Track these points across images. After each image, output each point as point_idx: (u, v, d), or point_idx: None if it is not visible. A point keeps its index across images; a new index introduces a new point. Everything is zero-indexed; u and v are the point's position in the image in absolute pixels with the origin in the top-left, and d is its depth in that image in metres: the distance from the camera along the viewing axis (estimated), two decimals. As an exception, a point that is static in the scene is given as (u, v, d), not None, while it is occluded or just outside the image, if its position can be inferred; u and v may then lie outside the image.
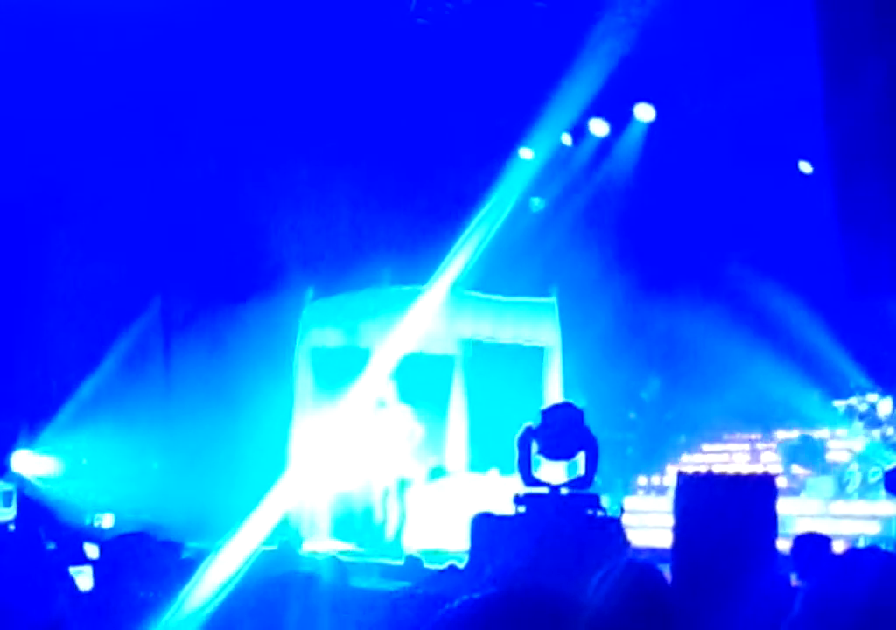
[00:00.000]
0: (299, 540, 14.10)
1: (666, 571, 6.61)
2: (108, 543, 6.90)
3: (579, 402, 12.68)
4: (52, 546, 9.15)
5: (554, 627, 1.50)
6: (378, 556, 14.61)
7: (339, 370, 17.61)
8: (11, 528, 13.58)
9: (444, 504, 15.70)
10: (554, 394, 17.71)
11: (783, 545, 7.12)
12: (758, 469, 16.31)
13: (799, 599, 2.34)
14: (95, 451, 18.36)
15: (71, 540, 10.30)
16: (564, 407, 12.36)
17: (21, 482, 16.75)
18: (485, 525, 8.59)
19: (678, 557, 6.60)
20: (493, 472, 16.49)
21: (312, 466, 16.63)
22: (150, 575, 5.71)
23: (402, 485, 16.54)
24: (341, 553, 12.78)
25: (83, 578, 7.14)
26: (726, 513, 6.33)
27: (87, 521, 14.65)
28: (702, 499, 6.58)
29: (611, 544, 9.59)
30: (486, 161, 19.41)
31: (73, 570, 7.04)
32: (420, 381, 17.82)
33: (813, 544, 7.70)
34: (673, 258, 20.54)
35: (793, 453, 18.14)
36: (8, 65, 17.21)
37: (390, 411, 17.41)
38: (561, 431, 11.49)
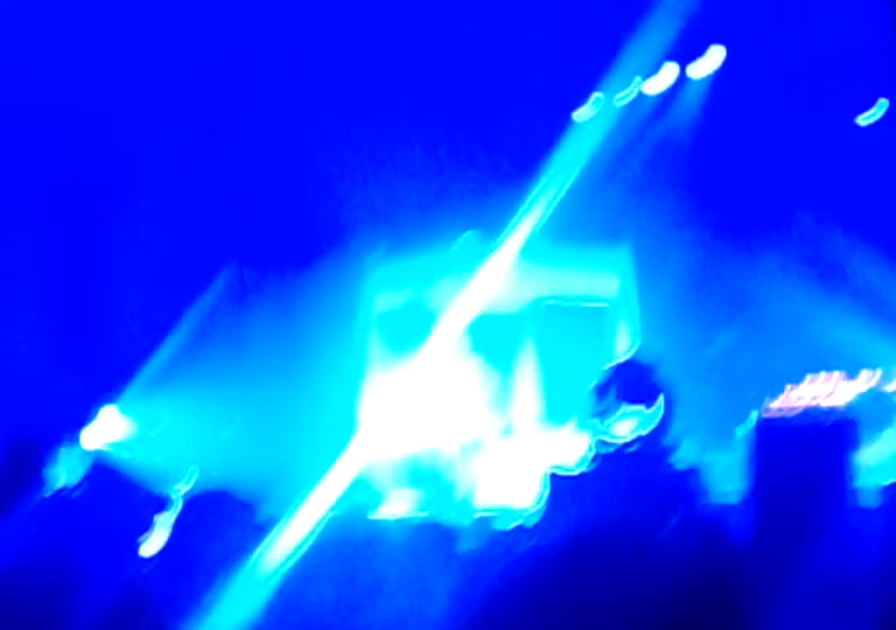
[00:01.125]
0: (372, 502, 14.14)
1: (742, 524, 6.53)
2: (188, 502, 6.94)
3: (651, 357, 12.55)
4: (127, 513, 9.20)
5: (633, 561, 1.44)
6: (449, 516, 14.62)
7: (408, 332, 17.62)
8: (80, 491, 13.70)
9: (514, 462, 15.69)
10: (623, 350, 17.61)
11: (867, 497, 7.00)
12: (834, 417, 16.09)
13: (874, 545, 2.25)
14: (168, 417, 18.51)
15: (143, 506, 10.35)
16: (637, 361, 12.25)
17: (92, 449, 16.92)
18: (556, 482, 8.54)
19: (757, 507, 6.52)
20: (564, 429, 16.44)
21: (382, 430, 16.68)
22: (227, 532, 5.73)
23: (473, 445, 16.54)
24: (413, 516, 12.80)
25: (156, 538, 7.20)
26: (804, 459, 6.24)
27: (161, 488, 14.74)
28: (779, 447, 6.49)
29: (687, 496, 9.49)
30: (554, 119, 19.24)
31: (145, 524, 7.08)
32: (490, 341, 17.79)
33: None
34: (741, 210, 20.27)
35: (866, 404, 17.90)
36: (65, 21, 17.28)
37: (460, 371, 17.39)
38: (633, 386, 11.38)
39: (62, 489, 13.23)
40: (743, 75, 19.91)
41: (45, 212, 19.08)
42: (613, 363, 12.27)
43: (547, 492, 8.13)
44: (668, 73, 20.45)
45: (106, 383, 18.67)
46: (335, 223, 19.90)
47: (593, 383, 11.83)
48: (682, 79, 20.55)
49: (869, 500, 7.36)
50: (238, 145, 19.36)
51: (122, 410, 18.52)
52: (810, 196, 19.56)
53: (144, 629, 2.67)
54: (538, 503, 8.09)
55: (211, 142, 19.20)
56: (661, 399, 11.56)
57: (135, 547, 6.60)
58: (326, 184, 19.39)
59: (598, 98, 19.18)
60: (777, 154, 19.71)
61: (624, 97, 19.88)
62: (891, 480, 7.48)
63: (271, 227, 20.12)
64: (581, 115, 19.43)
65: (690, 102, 20.56)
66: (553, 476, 8.60)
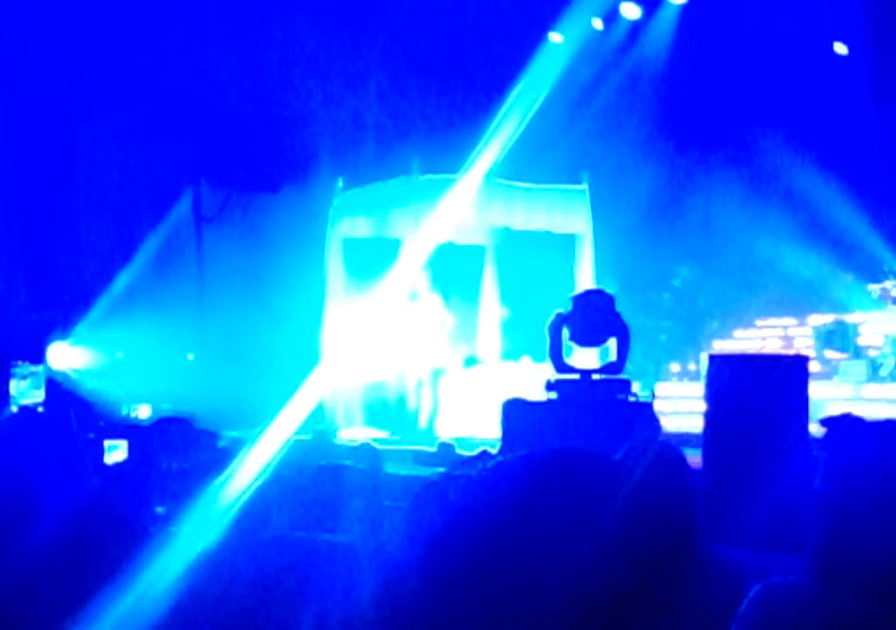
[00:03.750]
0: (334, 428, 14.24)
1: (697, 456, 6.65)
2: (147, 427, 6.98)
3: (611, 289, 12.65)
4: (91, 436, 9.25)
5: (591, 482, 1.50)
6: (411, 443, 14.75)
7: (371, 260, 17.62)
8: (40, 409, 13.76)
9: (476, 391, 15.79)
10: (585, 281, 17.67)
11: (816, 429, 7.12)
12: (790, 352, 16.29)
13: (820, 469, 2.33)
14: (130, 343, 18.49)
15: (106, 429, 10.43)
16: (596, 293, 12.35)
17: (52, 372, 16.93)
18: (516, 410, 8.63)
19: (710, 439, 6.62)
20: (526, 360, 16.55)
21: (345, 356, 16.74)
22: (187, 457, 5.78)
23: (436, 374, 16.63)
24: (375, 440, 12.90)
25: (117, 454, 7.25)
26: (758, 394, 6.32)
27: (124, 413, 14.87)
28: (734, 380, 6.56)
29: (642, 428, 9.62)
30: (516, 47, 19.10)
31: (107, 443, 7.13)
32: (452, 271, 17.80)
33: (847, 425, 7.68)
34: (705, 143, 20.27)
35: (826, 338, 18.06)
36: None
37: (423, 301, 17.43)
38: (592, 317, 11.49)
39: (25, 406, 13.29)
40: (707, 11, 19.82)
41: (4, 133, 18.89)
42: (570, 297, 12.38)
43: (509, 419, 8.22)
44: (630, 11, 20.29)
45: (69, 307, 18.62)
46: (299, 150, 19.82)
47: (549, 320, 11.94)
48: (648, 14, 20.42)
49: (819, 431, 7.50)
50: (207, 70, 19.19)
51: (85, 335, 18.49)
52: (779, 127, 19.55)
53: (107, 542, 2.73)
54: (500, 429, 8.19)
55: (181, 64, 19.02)
56: (613, 340, 11.70)
57: (97, 465, 6.65)
58: (290, 112, 19.29)
59: (574, 21, 18.94)
60: (750, 84, 19.66)
61: (586, 32, 19.71)
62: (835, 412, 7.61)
63: (236, 153, 20.00)
64: (555, 38, 19.27)
65: (665, 28, 20.43)
66: (515, 403, 8.68)
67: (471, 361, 16.94)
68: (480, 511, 1.53)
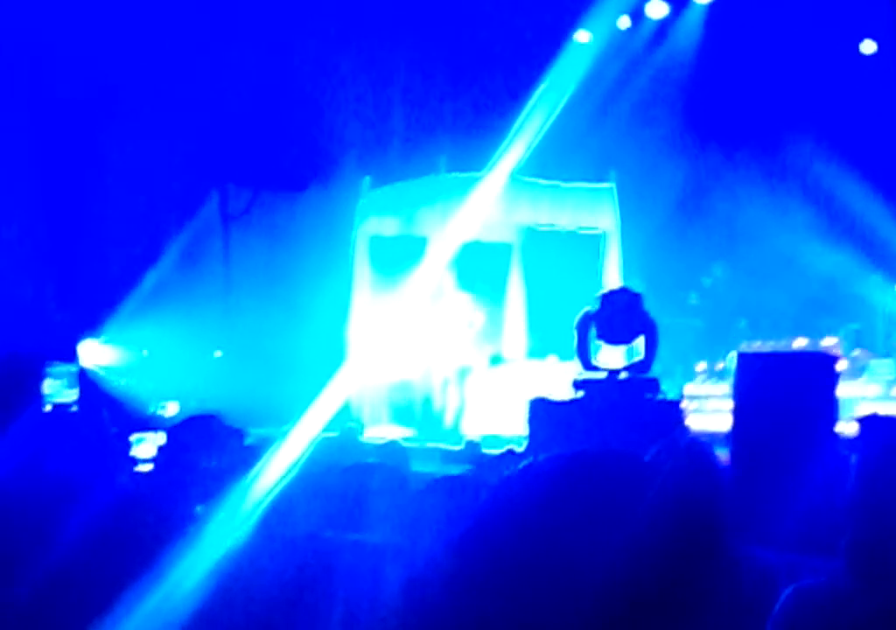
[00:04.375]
0: (360, 426, 14.25)
1: (724, 455, 6.62)
2: (177, 425, 7.00)
3: (637, 287, 12.61)
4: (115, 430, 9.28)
5: (623, 482, 1.49)
6: (438, 442, 14.75)
7: (397, 258, 17.63)
8: (74, 408, 13.82)
9: (502, 390, 15.78)
10: (612, 279, 17.64)
11: (844, 428, 7.07)
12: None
13: (853, 467, 2.31)
14: (157, 341, 18.54)
15: (135, 426, 10.45)
16: (623, 292, 12.32)
17: (85, 371, 17.00)
18: (542, 409, 8.63)
19: (738, 438, 6.58)
20: (552, 359, 16.52)
21: (372, 354, 16.74)
22: (216, 454, 5.80)
23: (463, 372, 16.62)
24: (401, 439, 12.90)
25: (144, 447, 7.26)
26: (786, 392, 6.28)
27: (151, 410, 14.92)
28: (762, 378, 6.52)
29: (670, 427, 9.60)
30: (542, 45, 19.07)
31: (133, 437, 7.13)
32: (478, 269, 17.79)
33: (878, 424, 7.63)
34: (734, 143, 20.19)
35: (854, 337, 17.99)
36: None
37: (449, 299, 17.42)
38: (620, 316, 11.46)
39: (58, 404, 13.34)
40: (734, 10, 19.73)
41: (33, 135, 18.96)
42: (598, 295, 12.35)
43: (536, 418, 8.22)
44: (658, 10, 20.20)
45: (97, 306, 18.68)
46: (325, 149, 19.83)
47: (577, 319, 11.92)
48: (676, 12, 20.34)
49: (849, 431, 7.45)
50: (232, 70, 19.23)
51: (113, 333, 18.56)
52: (808, 128, 19.46)
53: (141, 539, 2.74)
54: (527, 428, 8.18)
55: (206, 65, 19.06)
56: (640, 339, 11.66)
57: (128, 462, 6.67)
58: (317, 111, 19.29)
59: (600, 19, 18.88)
60: (776, 83, 19.57)
61: (613, 30, 19.64)
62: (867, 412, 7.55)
63: (262, 152, 20.04)
64: (581, 37, 19.20)
65: (691, 27, 20.34)
66: (541, 402, 8.69)
67: (496, 360, 16.92)
68: (510, 512, 1.52)
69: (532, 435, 8.91)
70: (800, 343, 19.22)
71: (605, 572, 1.43)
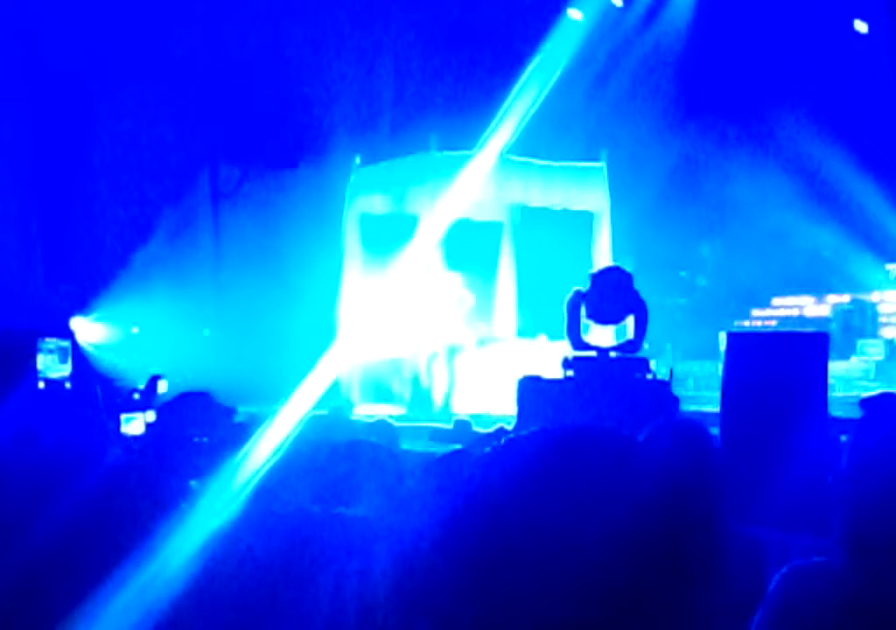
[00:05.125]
0: (350, 405, 14.23)
1: (714, 435, 6.60)
2: (168, 402, 7.00)
3: (628, 267, 12.59)
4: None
5: (613, 459, 1.48)
6: (427, 420, 14.75)
7: (388, 236, 17.60)
8: (67, 385, 13.80)
9: (493, 369, 15.78)
10: (603, 259, 17.62)
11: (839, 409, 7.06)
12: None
13: (846, 452, 2.30)
14: (147, 318, 18.52)
15: (125, 403, 10.45)
16: (613, 271, 12.29)
17: (79, 347, 16.98)
18: (532, 388, 8.62)
19: (728, 416, 6.57)
20: (542, 337, 16.52)
21: (361, 332, 16.73)
22: (207, 431, 5.80)
23: (452, 351, 16.61)
24: (391, 417, 12.91)
25: (134, 425, 7.26)
26: (777, 372, 6.26)
27: (141, 387, 14.87)
28: (752, 358, 6.50)
29: (660, 406, 9.59)
30: (534, 23, 19.00)
31: (124, 416, 7.13)
32: (468, 248, 17.76)
33: (885, 403, 7.58)
34: (725, 122, 20.19)
35: (844, 316, 18.03)
36: None
37: (439, 278, 17.39)
38: (610, 295, 11.45)
39: (52, 380, 13.32)
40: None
41: (24, 116, 18.88)
42: (589, 274, 12.33)
43: (525, 396, 8.21)
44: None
45: (88, 283, 18.66)
46: (315, 127, 19.79)
47: (567, 298, 11.89)
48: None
49: (846, 411, 7.43)
50: (222, 49, 19.17)
51: (103, 310, 18.53)
52: (799, 106, 19.44)
53: (133, 514, 2.74)
54: (516, 407, 8.17)
55: (197, 44, 19.00)
56: (630, 318, 11.64)
57: (120, 437, 6.67)
58: (307, 90, 19.24)
59: (575, 11, 18.81)
60: (767, 62, 19.54)
61: (605, 9, 19.54)
62: (871, 392, 7.51)
63: (252, 130, 19.99)
64: (574, 15, 19.12)
65: (683, 7, 20.26)
66: (531, 380, 8.67)
67: (486, 339, 16.92)
68: (493, 487, 1.51)
69: (521, 413, 8.89)
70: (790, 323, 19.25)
71: (596, 546, 1.42)
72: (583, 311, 11.58)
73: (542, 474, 1.44)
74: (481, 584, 1.41)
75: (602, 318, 11.88)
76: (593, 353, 11.34)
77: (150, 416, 7.20)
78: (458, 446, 8.00)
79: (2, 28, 17.78)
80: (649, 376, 11.12)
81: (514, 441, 1.50)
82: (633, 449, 1.48)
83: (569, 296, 11.70)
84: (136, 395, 12.64)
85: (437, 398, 16.37)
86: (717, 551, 1.47)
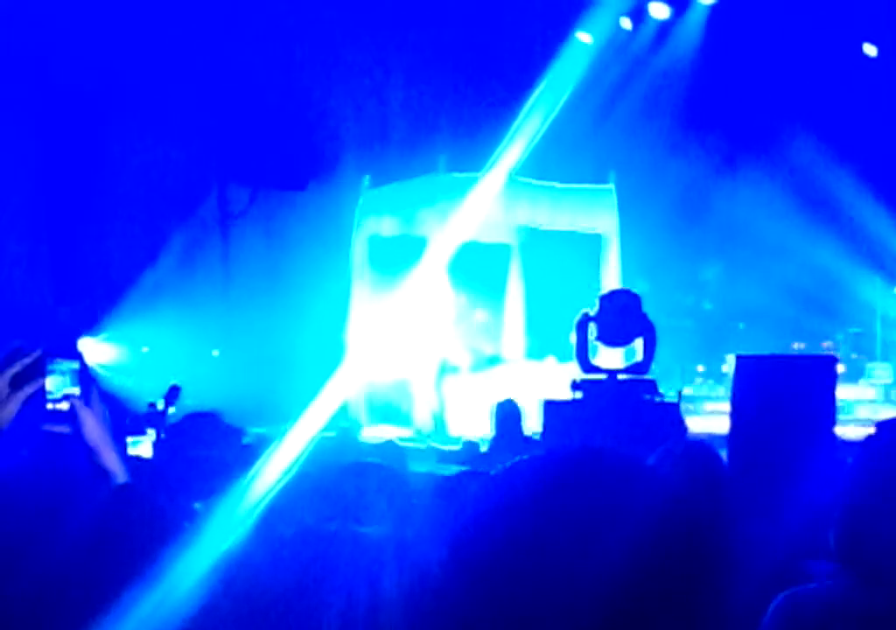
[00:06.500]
0: (358, 426, 14.24)
1: (723, 456, 6.60)
2: (176, 422, 7.01)
3: (637, 289, 12.61)
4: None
5: (621, 482, 1.49)
6: (435, 442, 14.74)
7: (396, 258, 17.62)
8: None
9: (501, 391, 15.77)
10: (611, 281, 17.63)
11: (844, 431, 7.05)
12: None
13: (848, 473, 2.31)
14: (156, 339, 18.53)
15: (133, 424, 10.44)
16: (622, 293, 12.31)
17: (89, 368, 16.97)
18: (544, 409, 8.61)
19: (736, 439, 6.57)
20: (551, 359, 16.52)
21: (370, 353, 16.73)
22: (215, 452, 5.80)
23: (447, 370, 16.58)
24: (399, 439, 12.90)
25: (141, 448, 7.25)
26: (785, 395, 6.26)
27: (147, 407, 14.89)
28: (761, 381, 6.51)
29: (668, 429, 9.59)
30: (543, 45, 19.07)
31: (130, 439, 7.12)
32: (477, 270, 17.78)
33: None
34: (734, 145, 20.22)
35: (853, 339, 18.01)
36: None
37: (448, 300, 17.41)
38: (619, 317, 11.46)
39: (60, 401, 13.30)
40: (736, 11, 19.70)
41: (34, 134, 18.95)
42: (598, 296, 12.35)
43: (552, 418, 8.21)
44: (659, 11, 20.13)
45: (97, 304, 18.69)
46: (325, 148, 19.84)
47: (576, 320, 11.91)
48: (678, 14, 20.29)
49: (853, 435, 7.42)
50: (232, 68, 19.23)
51: (112, 331, 18.55)
52: (809, 130, 19.46)
53: (139, 536, 2.75)
54: (542, 428, 8.17)
55: (206, 63, 19.06)
56: (639, 341, 11.65)
57: (127, 459, 6.65)
58: (317, 110, 19.31)
59: (601, 20, 18.82)
60: (776, 85, 19.57)
61: (614, 31, 19.60)
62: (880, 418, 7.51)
63: (262, 150, 20.04)
64: (583, 38, 19.17)
65: (692, 29, 20.30)
66: (549, 404, 8.68)
67: (494, 360, 16.92)
68: (502, 508, 1.52)
69: (546, 435, 8.89)
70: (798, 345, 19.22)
71: (604, 569, 1.43)
72: (591, 333, 11.59)
73: (550, 496, 1.45)
74: (491, 604, 1.42)
75: (611, 340, 11.89)
76: (602, 376, 11.35)
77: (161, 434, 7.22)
78: (466, 468, 8.02)
79: (12, 48, 17.85)
80: (658, 399, 11.13)
81: (523, 462, 1.51)
82: (642, 472, 1.49)
83: (577, 318, 11.72)
84: (160, 403, 12.66)
85: (446, 420, 16.36)
86: (726, 574, 1.48)
